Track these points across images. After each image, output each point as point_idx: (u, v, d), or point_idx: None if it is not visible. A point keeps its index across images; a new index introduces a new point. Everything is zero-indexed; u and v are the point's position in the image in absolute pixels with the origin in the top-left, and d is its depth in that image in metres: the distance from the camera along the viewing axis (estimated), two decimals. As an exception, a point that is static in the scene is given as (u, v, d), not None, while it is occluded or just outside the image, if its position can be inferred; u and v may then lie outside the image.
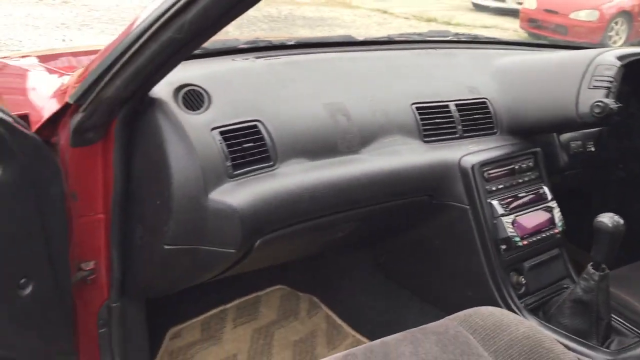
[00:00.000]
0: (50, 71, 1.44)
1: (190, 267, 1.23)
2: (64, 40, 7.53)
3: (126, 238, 1.24)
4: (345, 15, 13.14)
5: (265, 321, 1.80)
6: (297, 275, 1.92)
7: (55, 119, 1.15)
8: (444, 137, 1.51)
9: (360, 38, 1.76)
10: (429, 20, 13.79)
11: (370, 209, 1.39)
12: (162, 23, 0.92)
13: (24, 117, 1.09)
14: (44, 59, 1.64)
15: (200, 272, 1.28)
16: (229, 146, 1.19)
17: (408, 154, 1.42)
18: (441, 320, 1.15)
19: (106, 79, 1.02)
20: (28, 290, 1.02)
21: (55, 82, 1.28)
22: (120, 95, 1.05)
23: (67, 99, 1.10)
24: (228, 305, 1.81)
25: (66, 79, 1.23)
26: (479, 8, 16.68)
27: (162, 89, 1.17)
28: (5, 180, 0.95)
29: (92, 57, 1.12)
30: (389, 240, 1.75)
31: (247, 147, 1.21)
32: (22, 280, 1.01)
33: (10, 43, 7.21)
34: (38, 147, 1.04)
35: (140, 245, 1.23)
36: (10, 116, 0.98)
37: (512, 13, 12.93)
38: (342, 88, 1.43)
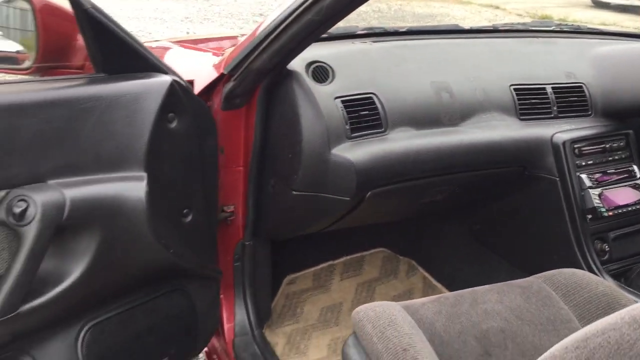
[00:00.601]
0: (204, 51, 1.74)
1: (311, 213, 1.49)
2: (187, 32, 8.12)
3: (260, 187, 1.51)
4: (455, 11, 13.07)
5: (368, 277, 2.03)
6: (399, 240, 2.13)
7: (211, 87, 1.43)
8: (539, 116, 1.66)
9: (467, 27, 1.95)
10: (543, 17, 13.41)
11: (467, 176, 1.58)
12: (305, 7, 1.16)
13: (191, 83, 1.37)
14: (194, 42, 1.96)
15: (319, 217, 1.52)
16: (348, 113, 1.42)
17: (504, 129, 1.59)
18: (527, 278, 1.32)
19: (255, 53, 1.29)
20: (189, 218, 1.30)
21: (209, 59, 1.58)
22: (265, 67, 1.31)
23: (223, 70, 1.38)
24: (336, 261, 2.06)
25: (216, 59, 1.52)
26: (598, 5, 15.94)
27: (297, 64, 1.42)
28: (178, 130, 1.23)
29: (231, 41, 1.38)
30: (482, 209, 1.92)
31: (363, 115, 1.44)
32: (185, 211, 1.29)
33: (141, 34, 7.87)
34: (202, 106, 1.32)
35: (272, 193, 1.50)
36: (183, 81, 1.26)
37: (634, 10, 12.34)
38: (447, 69, 1.63)
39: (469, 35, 1.86)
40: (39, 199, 0.99)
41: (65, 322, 1.15)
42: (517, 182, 1.69)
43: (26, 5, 1.10)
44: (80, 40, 1.15)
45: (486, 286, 1.30)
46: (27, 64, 1.12)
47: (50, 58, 1.12)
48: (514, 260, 1.82)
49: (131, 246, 1.14)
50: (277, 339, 1.73)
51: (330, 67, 1.48)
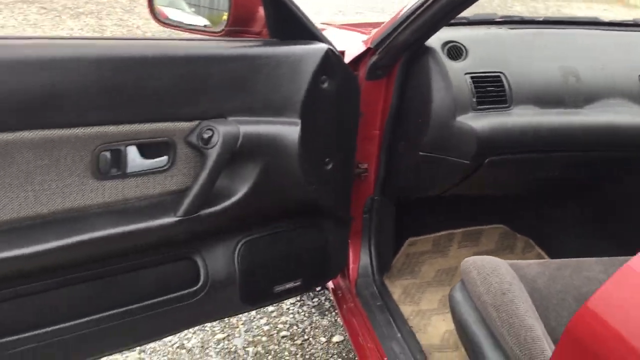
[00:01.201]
0: (355, 31, 2.00)
1: (434, 173, 1.69)
2: (340, 24, 8.47)
3: (392, 149, 1.74)
4: (619, 16, 12.36)
5: (484, 249, 2.19)
6: (518, 218, 2.26)
7: (359, 59, 1.67)
8: None
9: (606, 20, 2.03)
10: None
11: (585, 155, 1.70)
12: None
13: (342, 54, 1.63)
14: (344, 25, 2.22)
15: (441, 178, 1.72)
16: (475, 87, 1.60)
17: (628, 115, 1.69)
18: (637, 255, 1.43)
19: (399, 29, 1.51)
20: (329, 166, 1.56)
21: (358, 36, 1.82)
22: (407, 42, 1.54)
23: (370, 44, 1.62)
24: (456, 231, 2.24)
25: (364, 36, 1.76)
26: None
27: (433, 42, 1.63)
28: (328, 90, 1.48)
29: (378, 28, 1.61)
30: (600, 192, 2.00)
31: (490, 91, 1.62)
32: (327, 159, 1.55)
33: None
34: (349, 74, 1.57)
35: (401, 154, 1.72)
36: (336, 50, 1.52)
37: None
38: (577, 56, 1.75)
39: (604, 27, 1.95)
40: (221, 130, 1.29)
41: (228, 234, 1.46)
42: (636, 166, 1.77)
43: (222, -18, 1.42)
44: (260, 11, 1.44)
45: (593, 258, 1.43)
46: (219, 27, 1.43)
47: (237, 24, 1.42)
48: (626, 244, 1.89)
49: (283, 178, 1.42)
50: (394, 289, 1.95)
51: (464, 46, 1.67)
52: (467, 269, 1.35)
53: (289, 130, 1.39)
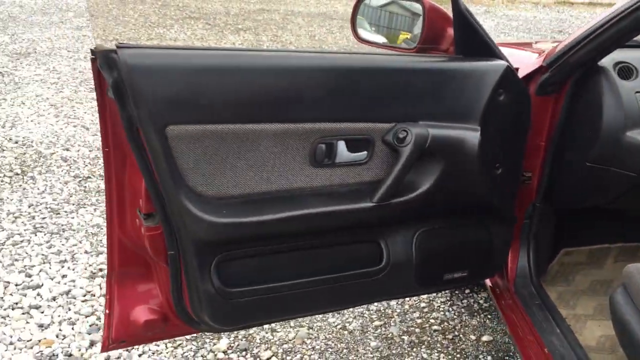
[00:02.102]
0: (526, 50, 2.15)
1: (600, 184, 1.80)
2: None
3: (556, 160, 1.87)
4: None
5: (642, 265, 2.23)
6: None
7: (530, 76, 1.83)
8: None
9: None
10: None
11: None
12: (624, 16, 1.51)
13: (516, 69, 1.80)
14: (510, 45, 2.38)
15: (604, 189, 1.83)
16: None
17: None
18: None
19: (575, 49, 1.66)
20: (499, 171, 1.73)
21: (529, 54, 1.98)
22: (581, 61, 1.68)
23: (542, 63, 1.77)
24: (612, 245, 2.30)
25: (535, 55, 1.91)
26: None
27: (605, 62, 1.75)
28: (504, 103, 1.65)
29: (545, 46, 1.75)
30: None
31: None
32: (497, 164, 1.72)
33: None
34: (523, 89, 1.73)
35: (567, 164, 1.85)
36: (512, 67, 1.69)
37: None
38: None
39: None
40: (414, 131, 1.51)
41: (409, 223, 1.67)
42: None
43: (418, 6, 1.65)
44: (448, 31, 1.66)
45: None
46: (412, 45, 1.67)
47: (428, 42, 1.65)
48: None
49: (462, 177, 1.62)
50: (550, 293, 2.06)
51: (635, 67, 1.78)
52: (630, 273, 1.46)
53: (471, 135, 1.58)
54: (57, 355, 2.12)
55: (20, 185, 3.40)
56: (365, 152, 1.55)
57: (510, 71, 1.64)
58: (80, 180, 3.53)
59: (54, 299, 2.43)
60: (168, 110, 1.32)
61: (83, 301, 2.43)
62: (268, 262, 1.54)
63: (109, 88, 1.36)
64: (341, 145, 1.52)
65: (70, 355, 2.13)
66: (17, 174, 3.53)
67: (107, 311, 1.58)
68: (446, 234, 1.73)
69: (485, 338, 2.40)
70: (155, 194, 1.38)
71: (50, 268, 2.63)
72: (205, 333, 2.24)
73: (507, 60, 1.66)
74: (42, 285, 2.51)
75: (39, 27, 7.69)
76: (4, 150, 3.85)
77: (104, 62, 1.29)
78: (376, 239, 1.65)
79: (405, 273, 1.69)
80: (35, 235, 2.89)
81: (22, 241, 2.83)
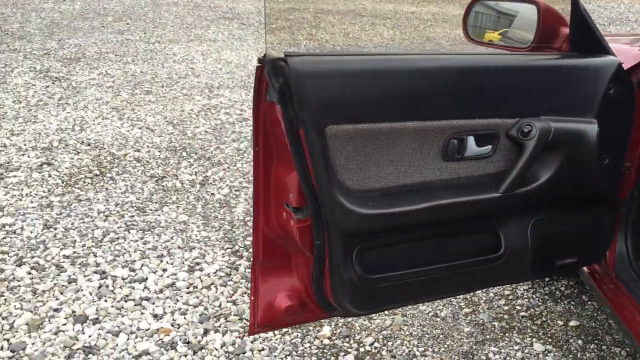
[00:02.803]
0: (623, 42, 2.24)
1: None
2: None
3: None
4: None
5: None
6: None
7: (631, 70, 1.93)
8: None
9: None
10: None
11: None
12: None
13: (620, 64, 1.89)
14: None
15: None
16: None
17: None
18: None
19: None
20: (606, 161, 1.83)
21: (630, 49, 2.07)
22: None
23: None
24: None
25: (633, 50, 2.00)
26: None
27: None
28: (614, 96, 1.75)
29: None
30: None
31: None
32: (604, 155, 1.82)
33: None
34: (630, 83, 1.82)
35: None
36: (621, 63, 1.79)
37: None
38: None
39: None
40: (538, 125, 1.63)
41: (525, 212, 1.78)
42: None
43: (532, 6, 1.77)
44: (561, 30, 1.77)
45: None
46: (526, 44, 1.78)
47: (542, 41, 1.76)
48: None
49: (579, 167, 1.72)
50: None
51: None
52: None
53: (590, 128, 1.69)
54: (176, 342, 2.26)
55: (103, 186, 3.56)
56: (490, 146, 1.66)
57: (620, 66, 1.74)
58: (157, 180, 3.68)
59: (160, 291, 2.58)
60: (329, 111, 1.45)
61: (188, 293, 2.58)
62: (403, 250, 1.66)
63: (268, 92, 1.49)
64: (470, 140, 1.63)
65: (189, 342, 2.27)
66: (97, 175, 3.69)
67: (252, 298, 1.71)
68: (558, 221, 1.84)
69: (572, 323, 2.50)
70: (308, 189, 1.51)
71: (150, 262, 2.78)
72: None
73: (616, 56, 1.76)
74: (147, 278, 2.65)
75: (82, 32, 7.88)
76: (79, 152, 4.01)
77: (273, 68, 1.42)
78: (495, 227, 1.76)
79: (521, 260, 1.80)
80: (129, 232, 3.04)
81: (118, 238, 2.98)
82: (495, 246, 1.77)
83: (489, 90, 1.62)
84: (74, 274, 2.65)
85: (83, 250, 2.85)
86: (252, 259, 1.71)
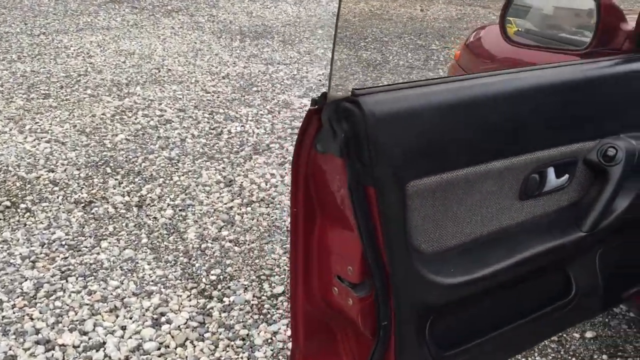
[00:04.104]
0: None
1: None
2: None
3: None
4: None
5: None
6: None
7: None
8: None
9: None
10: None
11: None
12: None
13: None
14: None
15: None
16: None
17: None
18: None
19: None
20: None
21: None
22: None
23: None
24: None
25: None
26: None
27: None
28: None
29: None
30: None
31: None
32: None
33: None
34: None
35: None
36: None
37: None
38: None
39: None
40: (623, 146, 1.36)
41: (593, 246, 1.53)
42: None
43: (592, 3, 1.48)
44: (622, 27, 1.50)
45: None
46: (581, 46, 1.50)
47: (601, 41, 1.49)
48: None
49: None
50: None
51: None
52: None
53: None
54: None
55: (19, 221, 2.97)
56: (567, 176, 1.38)
57: None
58: (84, 206, 3.13)
59: (126, 358, 2.12)
60: (413, 164, 1.10)
61: (160, 356, 2.14)
62: (478, 314, 1.36)
63: (319, 140, 1.11)
64: (551, 173, 1.34)
65: None
66: (8, 207, 3.09)
67: (295, 396, 1.34)
68: (625, 250, 1.60)
69: (588, 335, 2.32)
70: (375, 260, 1.16)
71: (103, 320, 2.30)
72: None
73: None
74: (105, 342, 2.18)
75: (-51, 25, 6.84)
76: (-21, 179, 3.36)
77: (337, 112, 1.04)
78: (565, 267, 1.50)
79: (591, 299, 1.56)
80: (67, 281, 2.52)
81: (54, 291, 2.45)
82: (564, 288, 1.51)
83: (570, 109, 1.33)
84: (10, 348, 2.13)
85: (14, 312, 2.31)
86: (291, 345, 1.33)
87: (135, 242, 2.84)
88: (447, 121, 1.14)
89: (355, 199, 1.09)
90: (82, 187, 3.33)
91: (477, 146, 1.19)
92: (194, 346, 2.19)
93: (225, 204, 3.23)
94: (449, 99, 1.15)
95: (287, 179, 3.51)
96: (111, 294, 2.45)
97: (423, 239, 1.20)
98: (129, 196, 3.27)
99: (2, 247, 2.73)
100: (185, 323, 2.31)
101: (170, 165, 3.65)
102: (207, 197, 3.29)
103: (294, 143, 1.21)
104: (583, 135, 1.36)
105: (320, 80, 5.34)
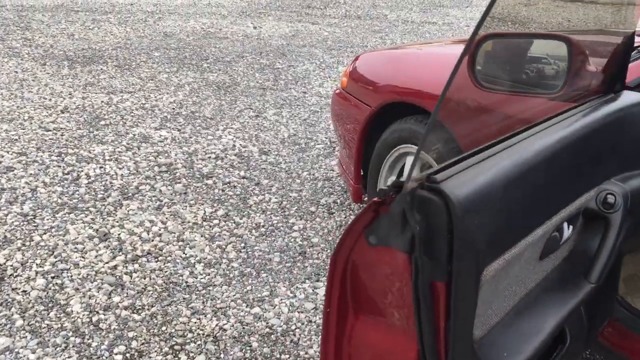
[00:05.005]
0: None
1: None
2: None
3: None
4: None
5: None
6: None
7: None
8: None
9: None
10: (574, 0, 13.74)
11: None
12: None
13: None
14: None
15: None
16: None
17: None
18: None
19: None
20: None
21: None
22: None
23: None
24: None
25: None
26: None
27: None
28: None
29: None
30: None
31: None
32: None
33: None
34: None
35: None
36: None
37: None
38: None
39: None
40: (619, 191, 1.34)
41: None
42: None
43: (562, 48, 1.46)
44: (589, 69, 1.50)
45: None
46: (554, 89, 1.47)
47: (572, 83, 1.47)
48: None
49: None
50: None
51: None
52: None
53: None
54: None
55: None
56: (571, 227, 1.34)
57: None
58: None
59: None
60: (490, 248, 0.96)
61: None
62: None
63: (373, 232, 0.93)
64: (565, 228, 1.29)
65: None
66: None
67: None
68: (602, 287, 1.61)
69: None
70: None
71: None
72: None
73: None
74: None
75: None
76: None
77: (411, 202, 0.87)
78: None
79: (579, 342, 1.54)
80: None
81: None
82: (560, 337, 1.47)
83: (576, 160, 1.28)
84: None
85: None
86: None
87: (8, 327, 2.35)
88: (515, 194, 1.02)
89: (421, 297, 0.93)
90: None
91: (531, 215, 1.09)
92: None
93: (107, 262, 2.83)
94: (514, 168, 1.03)
95: (170, 225, 3.18)
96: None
97: (477, 324, 1.07)
98: (-17, 268, 2.72)
99: None
100: (102, 422, 1.94)
101: (25, 222, 3.13)
102: (83, 257, 2.85)
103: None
104: (585, 186, 1.33)
105: (174, 109, 4.99)
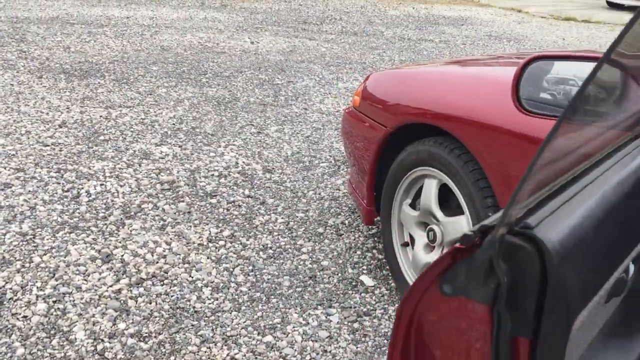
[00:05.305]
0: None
1: None
2: None
3: None
4: (482, 15, 13.43)
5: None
6: None
7: None
8: None
9: None
10: (567, 19, 13.82)
11: None
12: None
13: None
14: None
15: None
16: None
17: None
18: None
19: None
20: None
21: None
22: None
23: None
24: None
25: None
26: (612, 6, 16.40)
27: None
28: None
29: None
30: None
31: None
32: None
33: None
34: None
35: None
36: None
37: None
38: None
39: None
40: None
41: None
42: None
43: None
44: None
45: None
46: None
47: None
48: None
49: None
50: None
51: None
52: None
53: None
54: None
55: None
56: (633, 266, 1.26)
57: None
58: None
59: None
60: (581, 297, 0.87)
61: None
62: None
63: (448, 281, 0.85)
64: (631, 268, 1.20)
65: None
66: None
67: None
68: None
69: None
70: None
71: None
72: None
73: None
74: None
75: None
76: None
77: (499, 249, 0.78)
78: None
79: None
80: None
81: None
82: None
83: None
84: None
85: None
86: None
87: (9, 355, 2.23)
88: (602, 234, 0.94)
89: (501, 354, 0.84)
90: None
91: (614, 255, 1.02)
92: None
93: (111, 286, 2.72)
94: (599, 206, 0.95)
95: (175, 246, 3.08)
96: None
97: None
98: (-19, 291, 2.60)
99: None
100: None
101: (25, 242, 3.01)
102: (85, 280, 2.74)
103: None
104: None
105: (174, 124, 4.89)
